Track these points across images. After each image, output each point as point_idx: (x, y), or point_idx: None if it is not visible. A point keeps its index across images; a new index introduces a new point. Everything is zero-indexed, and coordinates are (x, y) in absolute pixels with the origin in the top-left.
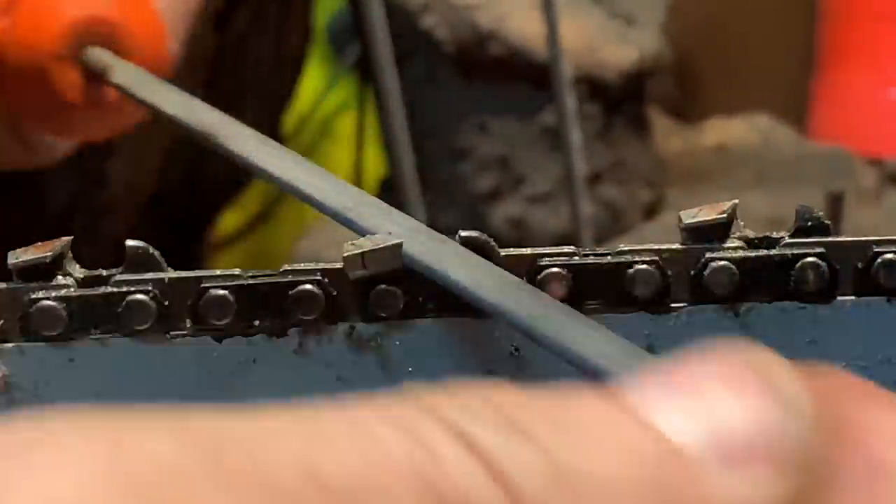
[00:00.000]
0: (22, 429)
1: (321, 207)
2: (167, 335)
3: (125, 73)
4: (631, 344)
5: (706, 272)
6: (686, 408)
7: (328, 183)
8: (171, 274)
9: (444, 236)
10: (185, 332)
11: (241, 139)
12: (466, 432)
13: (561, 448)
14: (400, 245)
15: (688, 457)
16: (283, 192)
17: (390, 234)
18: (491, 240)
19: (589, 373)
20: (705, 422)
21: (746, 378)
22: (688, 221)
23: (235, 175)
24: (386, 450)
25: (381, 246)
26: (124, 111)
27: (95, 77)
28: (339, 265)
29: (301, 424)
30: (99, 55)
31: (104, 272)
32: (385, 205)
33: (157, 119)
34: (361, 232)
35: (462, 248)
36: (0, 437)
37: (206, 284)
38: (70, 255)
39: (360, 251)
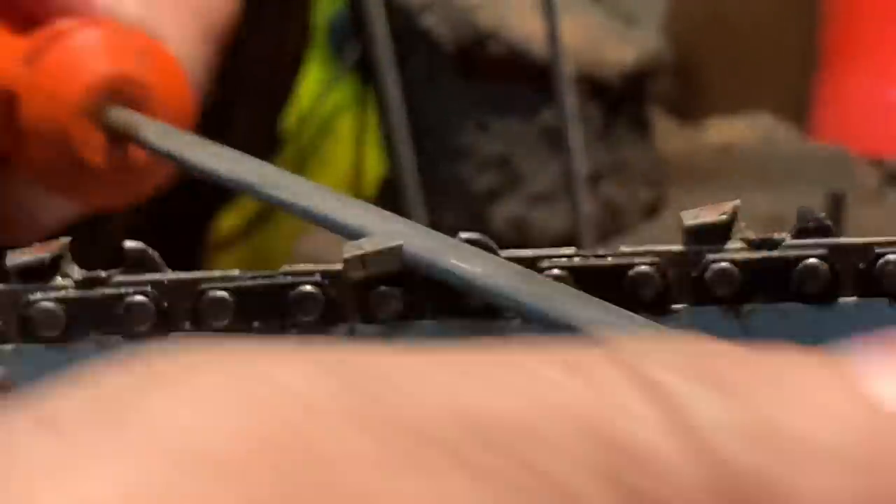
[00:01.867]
0: (157, 363)
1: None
2: (166, 336)
3: (152, 131)
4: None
5: (707, 273)
6: None
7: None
8: (170, 275)
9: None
10: (183, 335)
11: (283, 186)
12: (650, 378)
13: (764, 403)
14: (400, 247)
15: None
16: None
17: (390, 235)
18: (491, 241)
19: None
20: None
21: None
22: (689, 223)
23: None
24: (554, 394)
25: (382, 247)
26: (148, 175)
27: (119, 139)
28: (338, 266)
29: (455, 365)
30: (123, 115)
31: (103, 273)
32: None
33: (191, 175)
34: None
35: (468, 245)
36: (139, 370)
37: (205, 286)
38: (69, 256)
39: (360, 253)
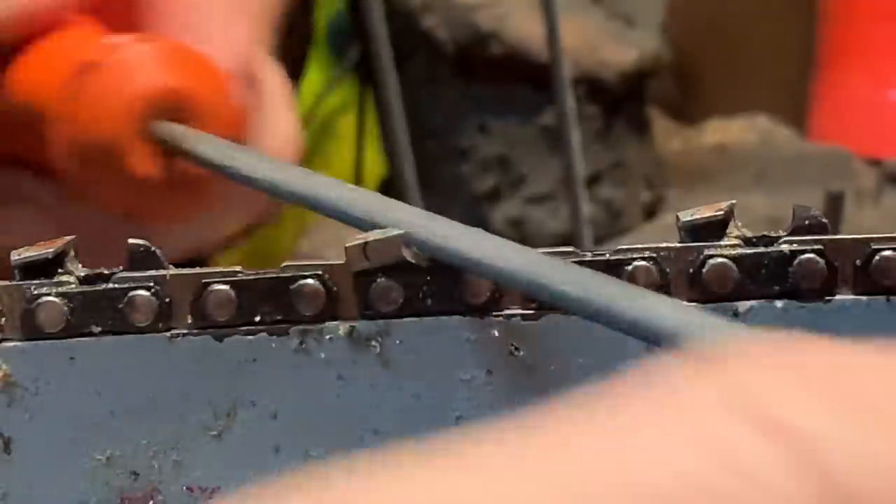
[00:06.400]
0: None
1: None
2: (168, 333)
3: (203, 144)
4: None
5: (704, 270)
6: None
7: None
8: (173, 271)
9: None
10: (186, 330)
11: (337, 197)
12: (772, 421)
13: None
14: (402, 236)
15: None
16: None
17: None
18: None
19: (653, 339)
20: None
21: None
22: (685, 220)
23: None
24: (683, 466)
25: (384, 236)
26: (204, 189)
27: (169, 152)
28: (340, 262)
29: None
30: (171, 129)
31: (105, 270)
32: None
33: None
34: None
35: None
36: None
37: (207, 281)
38: (72, 252)
39: (362, 241)
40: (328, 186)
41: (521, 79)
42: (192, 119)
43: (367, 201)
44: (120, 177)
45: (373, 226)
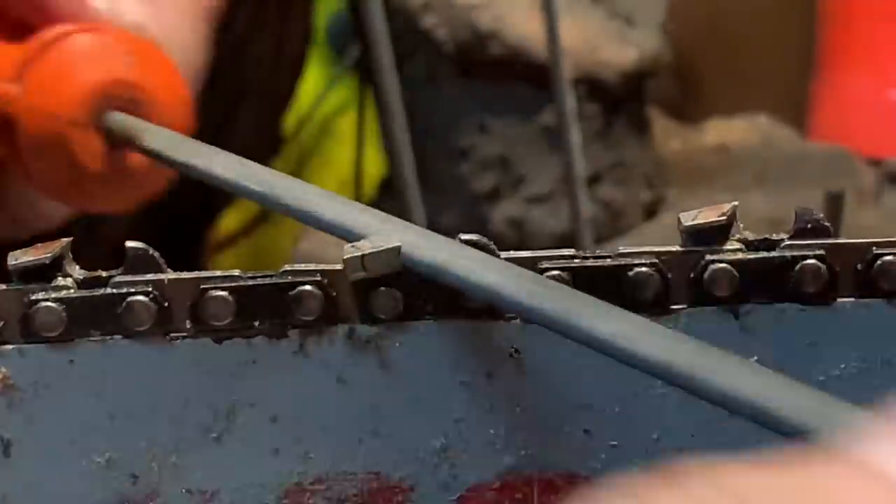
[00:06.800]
0: None
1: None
2: (167, 336)
3: (154, 137)
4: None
5: (706, 274)
6: None
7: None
8: (171, 275)
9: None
10: (184, 334)
11: (283, 190)
12: None
13: None
14: (398, 248)
15: None
16: None
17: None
18: (491, 243)
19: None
20: None
21: None
22: (687, 224)
23: None
24: None
25: (380, 248)
26: (148, 179)
27: (118, 144)
28: (338, 266)
29: None
30: (121, 120)
31: (104, 273)
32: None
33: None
34: None
35: (466, 247)
36: None
37: (206, 285)
38: (70, 256)
39: (359, 254)
40: (287, 186)
41: (521, 78)
42: (140, 110)
43: (317, 202)
44: (69, 168)
45: (329, 225)
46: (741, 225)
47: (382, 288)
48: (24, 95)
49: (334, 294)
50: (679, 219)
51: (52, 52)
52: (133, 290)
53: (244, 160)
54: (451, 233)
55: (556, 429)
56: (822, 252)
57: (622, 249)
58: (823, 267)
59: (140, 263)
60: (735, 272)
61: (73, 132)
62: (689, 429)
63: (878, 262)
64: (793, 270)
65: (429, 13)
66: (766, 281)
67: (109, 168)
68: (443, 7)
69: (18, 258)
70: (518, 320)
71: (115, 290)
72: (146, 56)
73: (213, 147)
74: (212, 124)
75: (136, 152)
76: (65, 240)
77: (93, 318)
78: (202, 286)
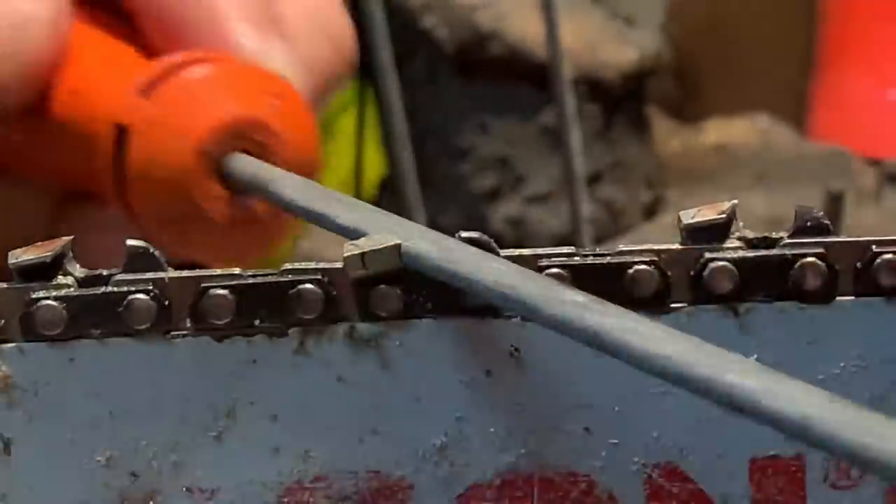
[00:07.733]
0: None
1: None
2: (167, 335)
3: (283, 184)
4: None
5: (706, 272)
6: None
7: None
8: (172, 273)
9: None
10: (185, 332)
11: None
12: None
13: None
14: (398, 245)
15: None
16: None
17: (388, 234)
18: (491, 241)
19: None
20: None
21: None
22: (687, 222)
23: None
24: None
25: (381, 246)
26: (275, 228)
27: (242, 190)
28: (339, 265)
29: None
30: (244, 164)
31: (104, 272)
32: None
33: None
34: None
35: (467, 245)
36: None
37: (206, 284)
38: (70, 254)
39: (359, 251)
40: (411, 228)
41: (521, 79)
42: (271, 155)
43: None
44: (186, 211)
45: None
46: (741, 223)
47: (382, 286)
48: (144, 122)
49: (334, 292)
50: (678, 217)
51: (179, 79)
52: (133, 288)
53: (374, 209)
54: (451, 232)
55: (557, 427)
56: (821, 250)
57: (622, 247)
58: (823, 265)
59: (140, 262)
60: (735, 270)
61: (195, 170)
62: (690, 427)
63: (878, 260)
64: (793, 268)
65: (429, 13)
66: (766, 279)
67: (232, 215)
68: (443, 7)
69: (19, 256)
70: (518, 319)
71: (115, 289)
72: (279, 94)
73: (352, 199)
74: None
75: (261, 199)
76: (65, 238)
77: (93, 316)
78: (203, 284)
